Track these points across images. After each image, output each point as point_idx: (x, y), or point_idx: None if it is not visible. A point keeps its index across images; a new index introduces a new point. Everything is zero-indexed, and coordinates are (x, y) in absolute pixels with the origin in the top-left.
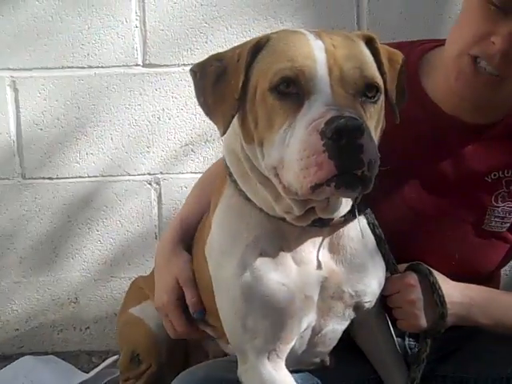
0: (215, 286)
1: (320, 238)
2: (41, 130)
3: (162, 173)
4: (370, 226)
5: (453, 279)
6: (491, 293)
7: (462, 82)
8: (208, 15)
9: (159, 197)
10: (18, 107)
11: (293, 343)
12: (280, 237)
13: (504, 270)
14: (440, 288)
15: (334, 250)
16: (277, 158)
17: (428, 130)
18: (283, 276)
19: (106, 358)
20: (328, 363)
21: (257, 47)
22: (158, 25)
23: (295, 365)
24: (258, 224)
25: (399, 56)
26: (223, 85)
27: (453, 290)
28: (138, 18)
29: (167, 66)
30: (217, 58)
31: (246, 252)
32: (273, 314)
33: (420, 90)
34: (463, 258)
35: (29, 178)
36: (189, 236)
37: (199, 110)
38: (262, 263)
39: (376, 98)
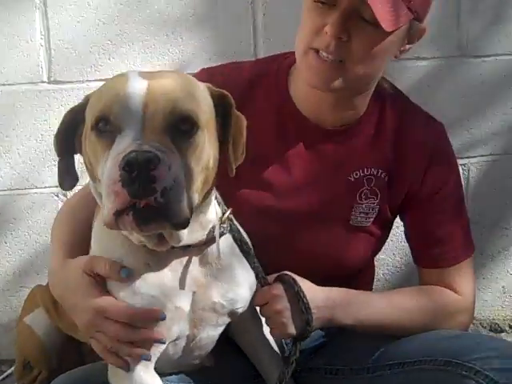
0: None
1: (186, 258)
2: None
3: None
4: (237, 243)
5: (323, 275)
6: (351, 294)
7: (313, 73)
8: (110, 33)
9: None
10: None
11: (162, 349)
12: (147, 255)
13: (400, 265)
14: (305, 296)
15: (202, 265)
16: None
17: (294, 135)
18: (153, 290)
19: None
20: (208, 364)
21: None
22: (62, 43)
23: (174, 368)
24: (126, 243)
25: (243, 121)
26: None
27: (317, 295)
28: (42, 37)
29: (72, 82)
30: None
31: None
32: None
33: (288, 99)
34: (332, 253)
35: None
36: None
37: None
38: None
39: (192, 133)
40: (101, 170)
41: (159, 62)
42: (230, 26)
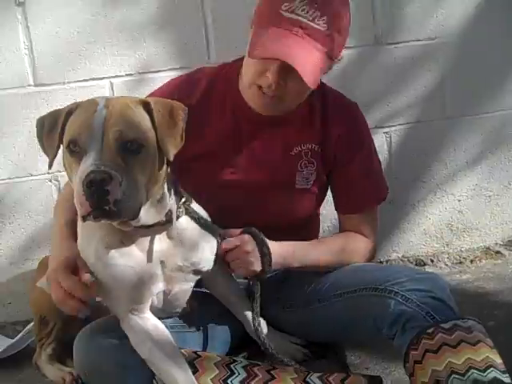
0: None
1: (154, 233)
2: None
3: (59, 171)
4: (195, 220)
5: (279, 227)
6: (298, 245)
7: (255, 103)
8: (85, 40)
9: (59, 190)
10: None
11: (149, 303)
12: (121, 234)
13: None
14: (267, 243)
15: (168, 238)
16: None
17: (248, 125)
18: (129, 260)
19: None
20: (189, 310)
21: (70, 112)
22: (44, 51)
23: (162, 315)
24: (103, 226)
25: (180, 108)
26: (52, 135)
27: (273, 246)
28: (26, 47)
29: (54, 84)
30: (52, 114)
31: (96, 246)
32: (125, 288)
33: (239, 97)
34: (285, 210)
35: None
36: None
37: None
38: (107, 253)
39: (138, 150)
40: (74, 180)
41: (128, 63)
42: (183, 28)
